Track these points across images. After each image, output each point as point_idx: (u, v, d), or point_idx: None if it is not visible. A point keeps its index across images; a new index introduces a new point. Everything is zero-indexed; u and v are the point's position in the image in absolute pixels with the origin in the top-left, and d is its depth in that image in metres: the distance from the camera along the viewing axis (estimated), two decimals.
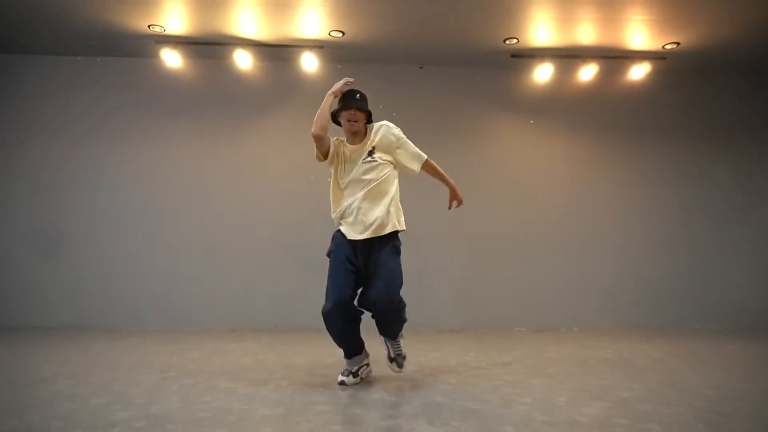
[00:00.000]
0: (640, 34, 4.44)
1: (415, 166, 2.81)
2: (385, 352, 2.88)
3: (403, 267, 2.75)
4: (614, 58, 4.75)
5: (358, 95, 2.75)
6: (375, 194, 2.69)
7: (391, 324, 2.78)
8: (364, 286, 2.71)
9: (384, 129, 2.79)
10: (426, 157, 2.83)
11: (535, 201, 5.07)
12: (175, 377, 2.81)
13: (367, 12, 4.15)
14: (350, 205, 2.71)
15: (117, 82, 4.91)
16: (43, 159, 4.81)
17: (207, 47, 4.64)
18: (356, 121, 2.72)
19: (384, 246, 2.68)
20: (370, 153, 2.73)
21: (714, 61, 4.90)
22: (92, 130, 4.87)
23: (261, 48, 4.65)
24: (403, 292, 2.75)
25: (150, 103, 4.92)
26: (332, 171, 2.81)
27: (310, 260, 4.25)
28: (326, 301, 2.62)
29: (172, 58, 4.65)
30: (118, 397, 2.41)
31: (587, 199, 5.10)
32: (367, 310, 2.72)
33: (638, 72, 4.85)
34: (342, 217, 2.76)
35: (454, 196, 2.93)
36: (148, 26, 4.34)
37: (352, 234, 2.68)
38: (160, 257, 4.79)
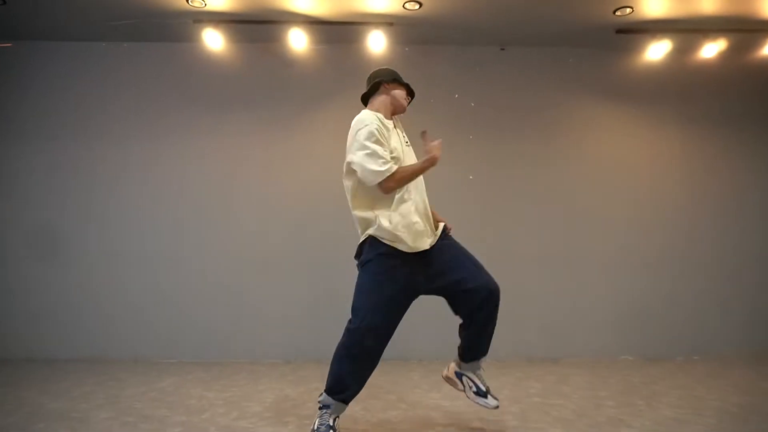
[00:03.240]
0: None
1: None
2: (472, 387, 2.36)
3: None
4: (746, 31, 3.99)
5: None
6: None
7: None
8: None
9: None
10: None
11: (641, 206, 4.34)
12: None
13: None
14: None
15: (149, 70, 4.26)
16: (58, 160, 4.18)
17: (255, 26, 3.96)
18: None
19: None
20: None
21: None
22: (117, 127, 4.22)
23: (320, 26, 3.96)
24: None
25: (187, 94, 4.26)
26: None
27: None
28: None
29: (213, 40, 3.97)
30: None
31: (707, 206, 4.37)
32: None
33: None
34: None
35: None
36: (187, 0, 3.68)
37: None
38: (213, 271, 4.14)
